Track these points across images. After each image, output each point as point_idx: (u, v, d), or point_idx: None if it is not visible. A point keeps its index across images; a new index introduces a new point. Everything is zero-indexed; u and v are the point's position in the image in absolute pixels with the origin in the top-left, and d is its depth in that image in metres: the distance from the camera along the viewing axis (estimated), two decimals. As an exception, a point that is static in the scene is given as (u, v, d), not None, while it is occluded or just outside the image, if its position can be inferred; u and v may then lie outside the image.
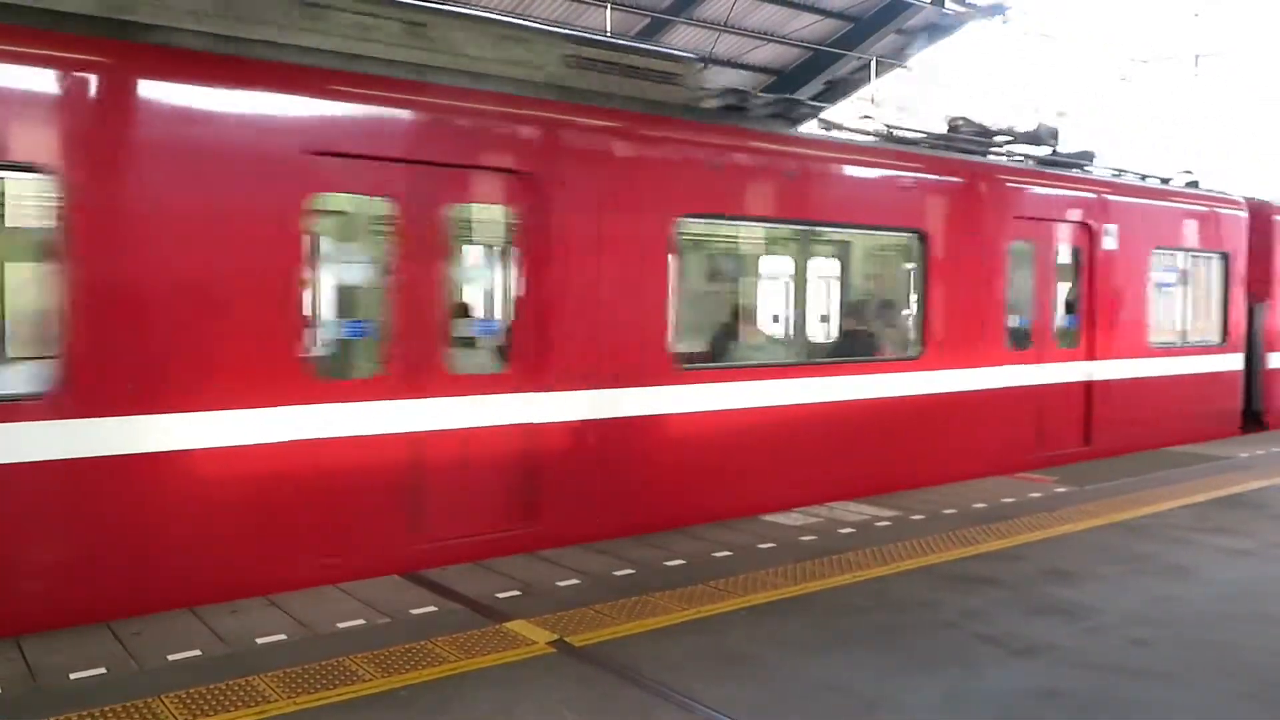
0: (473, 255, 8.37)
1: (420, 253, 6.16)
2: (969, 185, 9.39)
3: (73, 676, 4.34)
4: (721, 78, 21.95)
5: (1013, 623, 5.23)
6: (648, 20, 19.47)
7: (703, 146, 7.53)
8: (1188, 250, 11.98)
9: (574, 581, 5.81)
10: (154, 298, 5.22)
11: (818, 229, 8.68)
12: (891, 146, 9.13)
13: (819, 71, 21.92)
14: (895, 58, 22.72)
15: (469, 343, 6.87)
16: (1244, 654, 4.85)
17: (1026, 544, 6.81)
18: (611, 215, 6.87)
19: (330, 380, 5.95)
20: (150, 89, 5.27)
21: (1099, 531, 7.20)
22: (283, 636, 4.86)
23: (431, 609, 5.30)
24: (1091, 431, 10.48)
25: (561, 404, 6.66)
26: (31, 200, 5.86)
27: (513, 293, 6.68)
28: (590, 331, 6.80)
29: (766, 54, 21.71)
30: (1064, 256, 10.41)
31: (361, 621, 5.09)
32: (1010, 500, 8.23)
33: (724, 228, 8.70)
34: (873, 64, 22.08)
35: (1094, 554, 6.58)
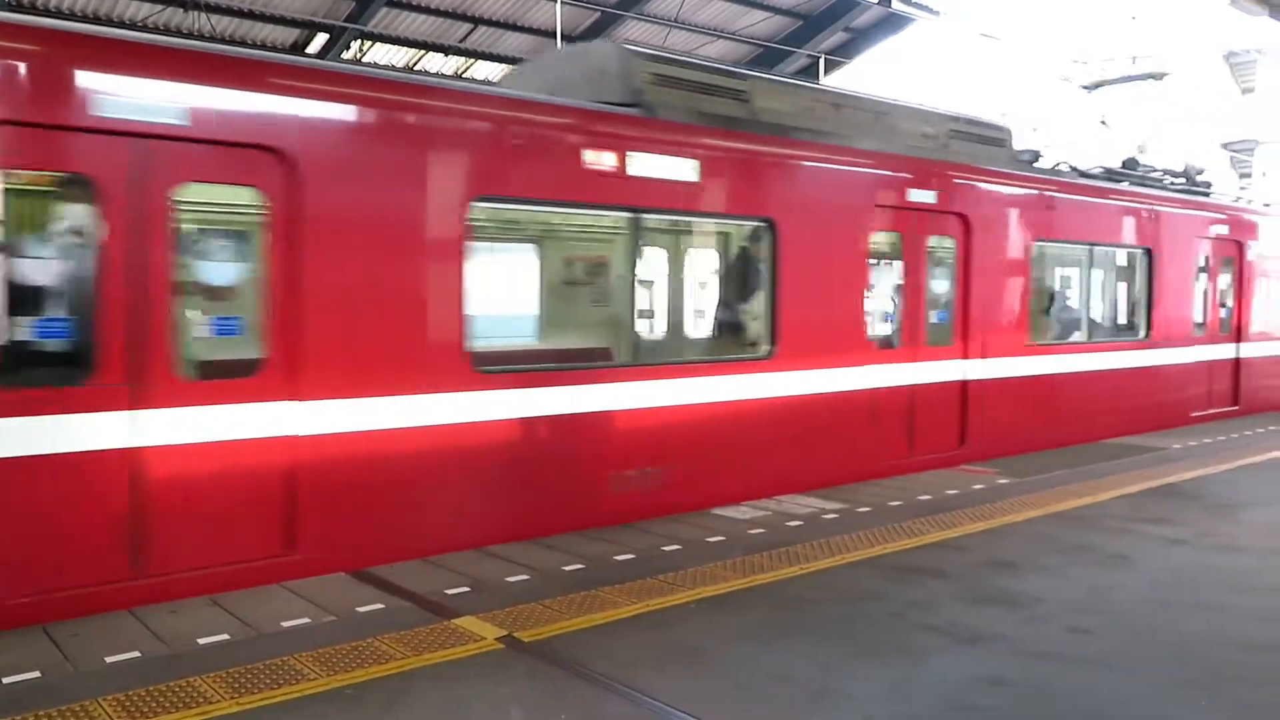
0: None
1: None
2: (1178, 215, 12.82)
3: (5, 681, 4.22)
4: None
5: (957, 612, 5.31)
6: (598, 15, 19.42)
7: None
8: None
9: (523, 577, 5.79)
10: None
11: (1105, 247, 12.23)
12: (1129, 187, 12.59)
13: (768, 68, 22.07)
14: (843, 55, 22.92)
15: None
16: (1182, 640, 4.97)
17: (969, 535, 6.93)
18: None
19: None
20: None
21: (1040, 522, 7.35)
22: (225, 636, 4.78)
23: (379, 606, 5.25)
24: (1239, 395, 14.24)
25: None
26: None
27: None
28: None
29: (716, 50, 21.78)
30: (1223, 264, 13.92)
31: (307, 620, 5.02)
32: (954, 492, 8.37)
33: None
34: (821, 61, 22.27)
35: (1035, 544, 6.71)
